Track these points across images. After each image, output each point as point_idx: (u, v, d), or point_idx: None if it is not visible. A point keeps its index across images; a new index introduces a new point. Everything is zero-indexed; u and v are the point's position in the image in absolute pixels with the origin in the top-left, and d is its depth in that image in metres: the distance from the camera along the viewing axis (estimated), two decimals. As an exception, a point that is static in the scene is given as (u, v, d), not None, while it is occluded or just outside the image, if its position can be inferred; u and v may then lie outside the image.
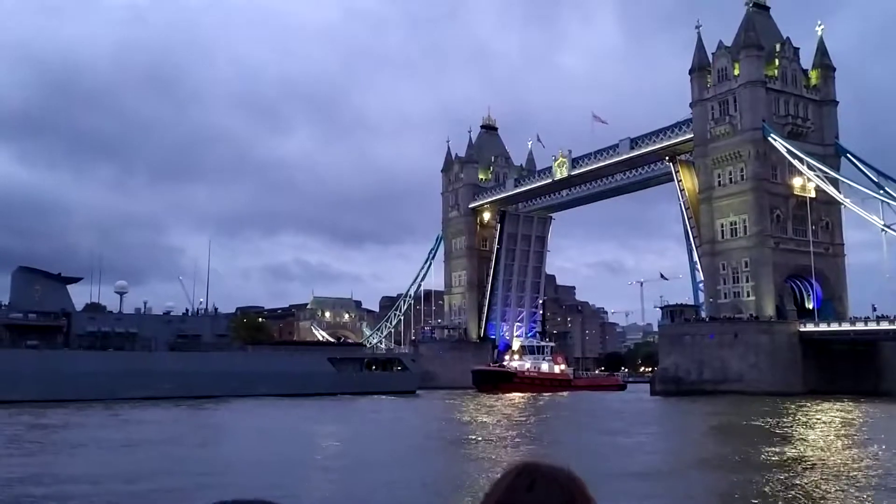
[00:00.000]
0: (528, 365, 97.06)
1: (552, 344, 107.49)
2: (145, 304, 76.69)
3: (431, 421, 45.93)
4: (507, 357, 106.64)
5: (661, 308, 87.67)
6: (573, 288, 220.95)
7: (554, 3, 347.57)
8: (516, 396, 77.84)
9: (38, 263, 73.27)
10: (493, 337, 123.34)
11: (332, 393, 72.37)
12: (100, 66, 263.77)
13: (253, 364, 76.43)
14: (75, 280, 72.62)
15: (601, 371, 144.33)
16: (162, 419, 44.21)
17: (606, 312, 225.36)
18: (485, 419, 44.95)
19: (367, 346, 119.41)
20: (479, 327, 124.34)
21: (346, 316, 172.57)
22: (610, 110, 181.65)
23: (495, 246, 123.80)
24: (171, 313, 77.31)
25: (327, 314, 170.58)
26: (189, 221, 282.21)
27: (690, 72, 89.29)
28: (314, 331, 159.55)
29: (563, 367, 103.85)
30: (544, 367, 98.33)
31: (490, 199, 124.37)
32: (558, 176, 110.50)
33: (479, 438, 32.54)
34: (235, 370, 72.33)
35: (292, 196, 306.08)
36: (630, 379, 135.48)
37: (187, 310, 78.60)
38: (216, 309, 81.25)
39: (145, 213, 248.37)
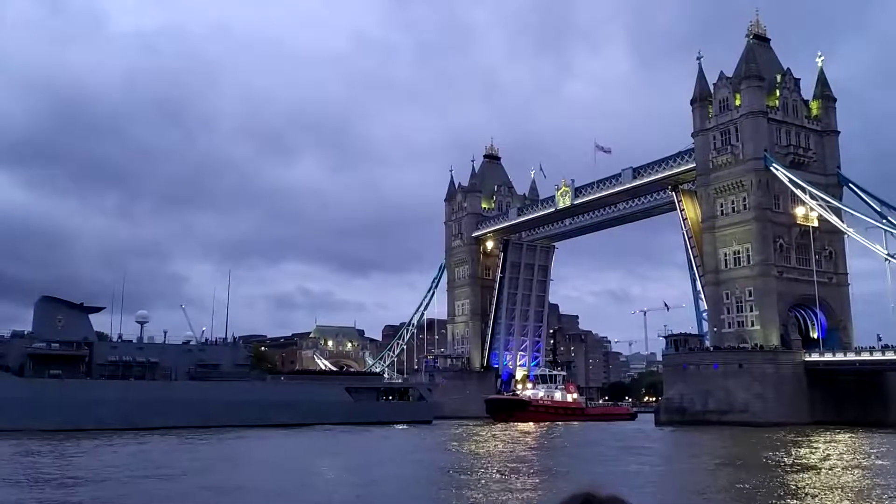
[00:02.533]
0: (541, 394, 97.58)
1: (564, 373, 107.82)
2: (165, 333, 76.65)
3: (467, 453, 45.27)
4: (519, 386, 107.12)
5: (665, 337, 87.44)
6: (577, 317, 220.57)
7: (564, 32, 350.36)
8: (531, 426, 78.29)
9: (47, 291, 73.25)
10: (496, 366, 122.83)
11: (348, 422, 72.00)
12: (108, 93, 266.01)
13: (271, 393, 76.58)
14: (97, 310, 72.81)
15: (605, 401, 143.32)
16: (179, 449, 44.03)
17: (610, 342, 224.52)
18: (524, 452, 44.25)
19: (386, 376, 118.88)
20: (483, 356, 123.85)
21: (349, 345, 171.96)
22: (614, 139, 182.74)
23: (498, 275, 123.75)
24: (190, 342, 77.37)
25: (330, 343, 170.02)
26: (194, 249, 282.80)
27: (692, 102, 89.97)
28: (316, 359, 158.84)
29: (575, 395, 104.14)
30: (557, 395, 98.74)
31: (493, 229, 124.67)
32: (561, 205, 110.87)
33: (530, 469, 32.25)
34: (254, 399, 72.48)
35: (298, 224, 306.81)
36: (635, 409, 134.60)
37: (206, 339, 78.62)
38: (235, 338, 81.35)
39: (150, 241, 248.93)
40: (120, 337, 73.69)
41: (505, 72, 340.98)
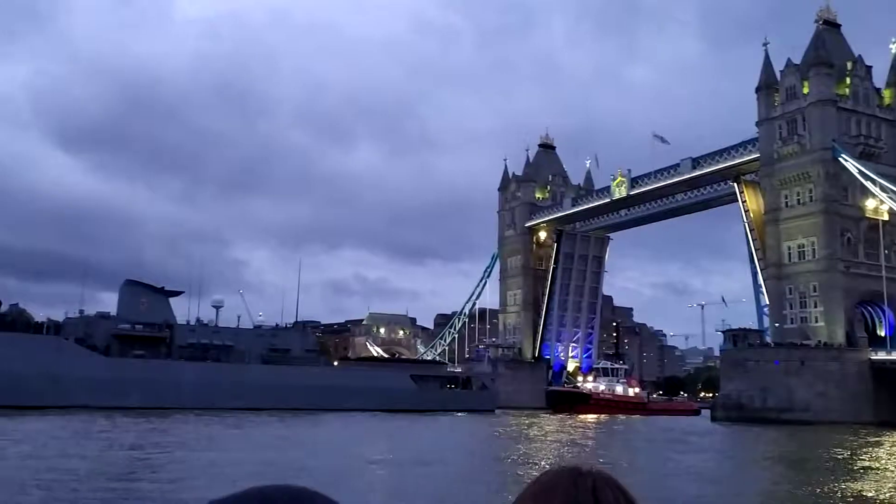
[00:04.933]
0: (602, 387, 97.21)
1: (626, 366, 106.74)
2: (239, 318, 79.17)
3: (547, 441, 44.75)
4: (580, 379, 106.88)
5: (724, 332, 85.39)
6: (631, 309, 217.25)
7: (629, 13, 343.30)
8: (592, 418, 77.89)
9: (116, 274, 75.52)
10: (547, 357, 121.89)
11: (412, 409, 72.87)
12: (173, 80, 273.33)
13: (339, 379, 78.02)
14: (177, 293, 75.16)
15: (659, 395, 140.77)
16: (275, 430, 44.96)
17: (665, 335, 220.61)
18: (588, 442, 43.70)
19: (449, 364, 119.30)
20: (534, 347, 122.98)
21: (401, 332, 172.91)
22: (673, 127, 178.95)
23: (551, 265, 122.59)
24: (262, 327, 79.41)
25: (382, 330, 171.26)
26: (253, 235, 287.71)
27: (757, 90, 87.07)
28: (369, 346, 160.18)
29: (637, 389, 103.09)
30: (619, 389, 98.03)
31: (547, 219, 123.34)
32: (617, 195, 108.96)
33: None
34: (322, 384, 73.99)
35: (354, 211, 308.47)
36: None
37: (277, 324, 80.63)
38: (304, 324, 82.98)
39: (212, 226, 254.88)
40: (198, 320, 75.56)
41: (564, 56, 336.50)
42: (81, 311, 70.49)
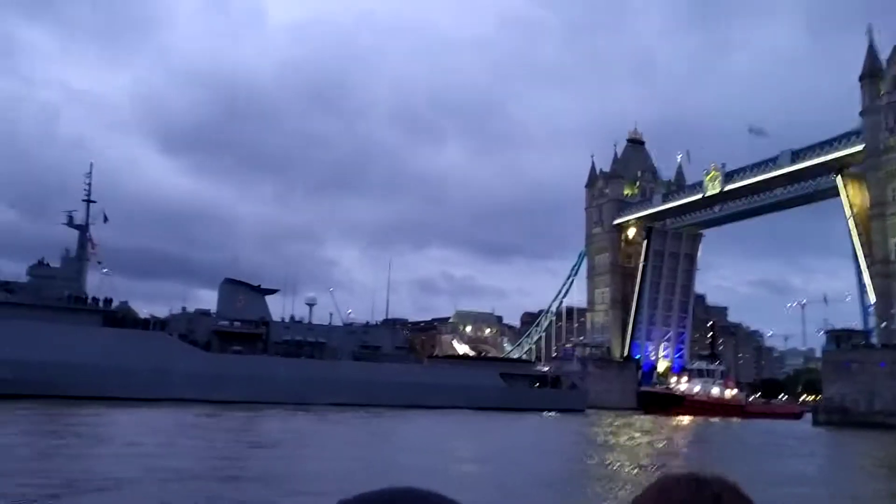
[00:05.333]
0: (697, 388, 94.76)
1: (723, 367, 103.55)
2: (331, 315, 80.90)
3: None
4: (673, 379, 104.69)
5: (826, 332, 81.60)
6: (725, 308, 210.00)
7: (724, 4, 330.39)
8: (686, 420, 76.08)
9: (213, 272, 78.92)
10: (637, 357, 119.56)
11: (501, 408, 73.04)
12: (267, 84, 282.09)
13: (429, 376, 78.75)
14: (272, 291, 77.20)
15: (757, 398, 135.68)
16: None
17: (763, 335, 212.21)
18: (684, 447, 42.96)
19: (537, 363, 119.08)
20: (623, 346, 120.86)
21: (487, 331, 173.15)
22: (770, 119, 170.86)
23: (641, 263, 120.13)
24: (354, 325, 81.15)
25: (468, 328, 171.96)
26: (344, 234, 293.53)
27: (861, 78, 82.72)
28: (455, 344, 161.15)
29: (734, 391, 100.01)
30: (715, 391, 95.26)
31: (636, 215, 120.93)
32: (710, 191, 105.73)
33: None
34: (413, 381, 75.01)
35: (442, 209, 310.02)
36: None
37: (367, 322, 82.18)
38: (394, 322, 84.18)
39: (304, 226, 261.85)
40: (292, 318, 77.65)
41: (656, 49, 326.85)
42: (184, 309, 73.77)
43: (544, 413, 73.43)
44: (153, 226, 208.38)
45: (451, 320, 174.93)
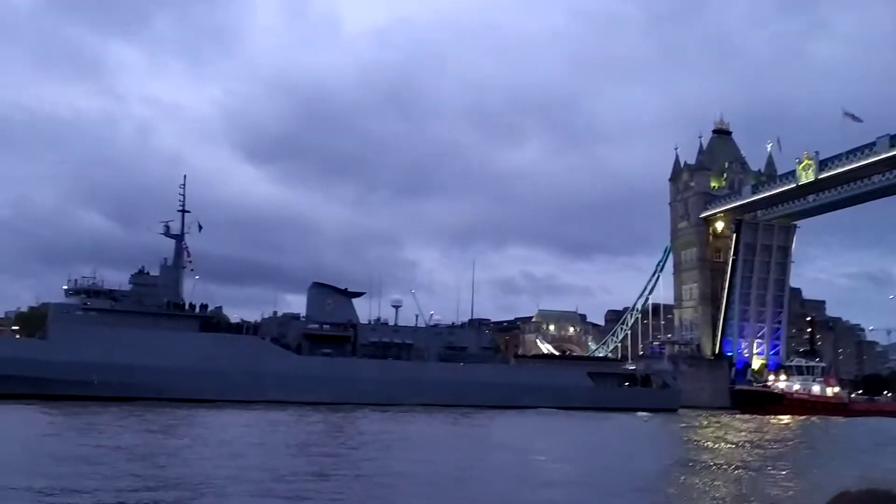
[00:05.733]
0: (796, 386, 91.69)
1: (823, 364, 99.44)
2: (417, 317, 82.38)
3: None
4: (771, 377, 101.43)
5: (934, 325, 77.12)
6: (823, 302, 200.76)
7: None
8: (785, 419, 74.05)
9: (297, 277, 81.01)
10: (729, 354, 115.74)
11: (589, 407, 72.76)
12: (345, 90, 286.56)
13: (516, 376, 79.21)
14: (359, 294, 79.02)
15: (859, 395, 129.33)
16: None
17: (863, 329, 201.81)
18: (782, 448, 41.35)
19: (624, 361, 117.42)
20: (714, 344, 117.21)
21: (571, 329, 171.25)
22: (867, 104, 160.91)
23: (730, 257, 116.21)
24: (439, 325, 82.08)
25: (552, 327, 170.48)
26: (424, 236, 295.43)
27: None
28: (539, 344, 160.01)
29: (836, 389, 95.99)
30: (815, 388, 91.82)
31: (724, 208, 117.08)
32: (803, 180, 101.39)
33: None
34: (499, 381, 75.61)
35: (522, 208, 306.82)
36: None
37: (452, 322, 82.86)
38: (479, 322, 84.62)
39: (385, 229, 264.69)
40: (378, 320, 79.09)
41: (740, 36, 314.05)
42: (275, 313, 76.09)
43: (639, 413, 72.19)
44: (242, 233, 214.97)
45: (533, 319, 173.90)
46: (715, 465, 28.70)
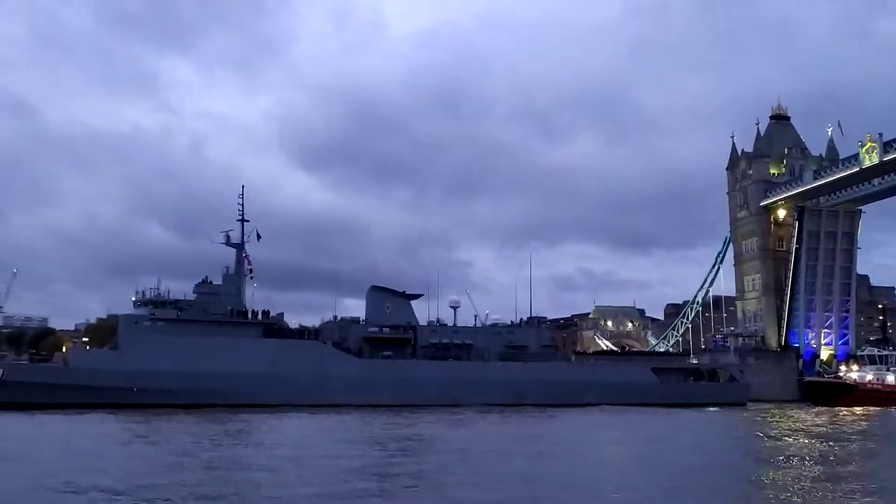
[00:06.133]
0: (869, 376, 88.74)
1: None
2: (475, 317, 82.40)
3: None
4: (843, 368, 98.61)
5: None
6: (892, 289, 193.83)
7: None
8: (859, 411, 72.48)
9: (352, 281, 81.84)
10: (796, 345, 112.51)
11: (654, 403, 72.00)
12: (393, 93, 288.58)
13: (577, 374, 78.74)
14: (417, 296, 79.47)
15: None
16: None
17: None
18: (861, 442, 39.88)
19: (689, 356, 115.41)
20: (779, 335, 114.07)
21: (630, 324, 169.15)
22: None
23: (794, 246, 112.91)
24: (498, 325, 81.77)
25: (609, 323, 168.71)
26: (476, 235, 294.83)
27: None
28: (597, 340, 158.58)
29: None
30: (889, 378, 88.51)
31: (785, 195, 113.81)
32: (867, 163, 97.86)
33: None
34: (560, 379, 75.33)
35: (575, 204, 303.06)
36: None
37: (512, 321, 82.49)
38: (539, 321, 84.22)
39: (438, 230, 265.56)
40: (437, 321, 79.43)
41: (797, 16, 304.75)
42: (335, 317, 76.95)
43: (708, 408, 70.90)
44: (298, 240, 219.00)
45: (591, 316, 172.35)
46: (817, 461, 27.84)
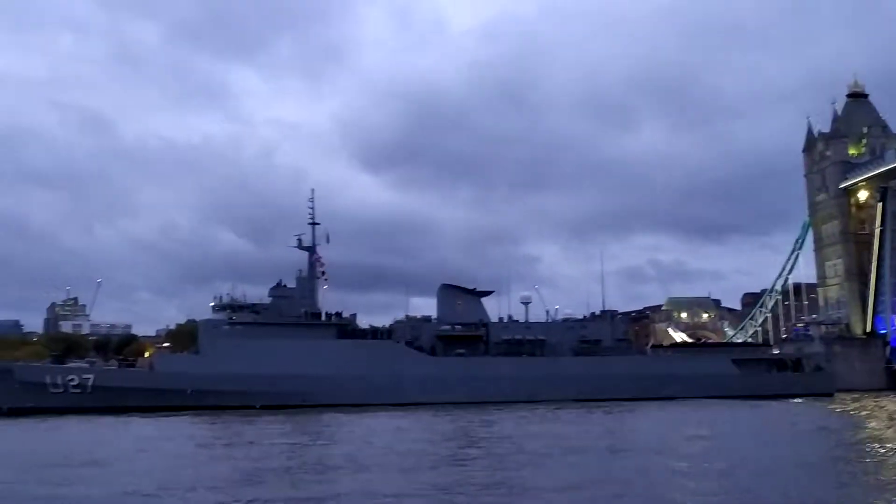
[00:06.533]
0: None
1: None
2: (547, 312, 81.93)
3: None
4: None
5: None
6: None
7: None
8: None
9: (418, 279, 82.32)
10: (882, 332, 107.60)
11: (735, 396, 70.30)
12: (455, 90, 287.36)
13: (654, 367, 77.58)
14: (488, 293, 79.43)
15: None
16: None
17: None
18: None
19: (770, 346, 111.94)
20: (864, 321, 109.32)
21: (705, 315, 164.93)
22: None
23: (877, 228, 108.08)
24: (570, 319, 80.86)
25: (683, 315, 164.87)
26: (543, 230, 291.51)
27: None
28: (671, 332, 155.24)
29: None
30: None
31: (866, 176, 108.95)
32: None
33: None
34: (636, 373, 74.34)
35: (643, 194, 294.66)
36: None
37: (584, 315, 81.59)
38: (612, 314, 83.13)
39: (504, 226, 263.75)
40: (509, 317, 79.11)
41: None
42: (407, 316, 77.47)
43: (793, 399, 68.53)
44: (364, 240, 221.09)
45: (663, 308, 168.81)
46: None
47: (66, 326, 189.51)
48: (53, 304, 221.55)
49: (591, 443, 33.10)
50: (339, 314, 72.87)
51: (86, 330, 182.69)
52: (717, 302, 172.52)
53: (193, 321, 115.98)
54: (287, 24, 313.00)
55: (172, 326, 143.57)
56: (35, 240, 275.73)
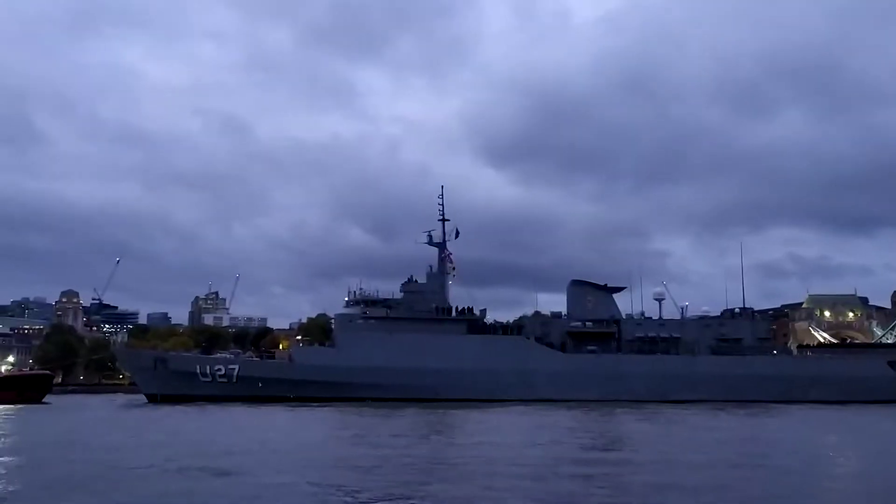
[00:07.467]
0: None
1: None
2: (681, 309, 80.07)
3: None
4: None
5: None
6: None
7: None
8: None
9: (542, 274, 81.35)
10: None
11: (891, 400, 66.03)
12: (579, 83, 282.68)
13: (799, 368, 74.00)
14: (620, 289, 77.77)
15: None
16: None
17: None
18: None
19: None
20: None
21: (850, 314, 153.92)
22: None
23: None
24: (707, 317, 78.14)
25: (826, 313, 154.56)
26: (672, 224, 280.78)
27: None
28: (812, 332, 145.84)
29: None
30: None
31: None
32: None
33: None
34: (780, 374, 71.02)
35: (782, 185, 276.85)
36: None
37: (722, 312, 78.60)
38: (754, 312, 79.47)
39: (629, 220, 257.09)
40: (642, 314, 77.45)
41: None
42: (537, 312, 76.88)
43: None
44: (490, 235, 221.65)
45: (804, 305, 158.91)
46: None
47: (207, 319, 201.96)
48: (197, 298, 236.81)
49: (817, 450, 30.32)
50: (469, 309, 73.20)
51: (226, 322, 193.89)
52: (864, 300, 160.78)
53: (325, 315, 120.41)
54: (411, 21, 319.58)
55: (304, 320, 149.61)
56: (180, 238, 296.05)
